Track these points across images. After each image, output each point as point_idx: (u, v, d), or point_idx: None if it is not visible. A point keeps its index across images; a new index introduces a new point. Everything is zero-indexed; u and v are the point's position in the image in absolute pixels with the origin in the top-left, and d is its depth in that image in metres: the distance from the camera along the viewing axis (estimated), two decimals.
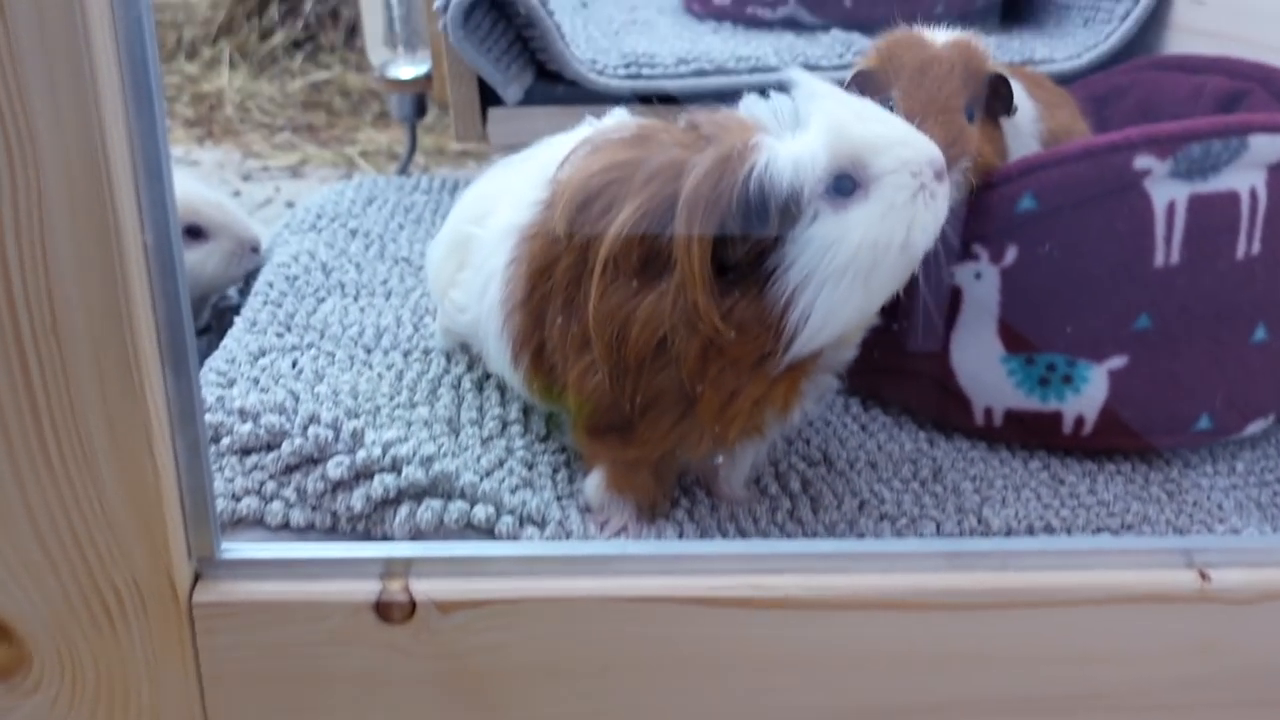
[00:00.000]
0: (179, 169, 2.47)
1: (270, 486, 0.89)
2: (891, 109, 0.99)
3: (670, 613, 0.79)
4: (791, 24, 1.71)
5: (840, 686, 0.82)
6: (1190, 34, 1.54)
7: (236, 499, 0.88)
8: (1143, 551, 0.84)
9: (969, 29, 1.06)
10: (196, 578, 0.77)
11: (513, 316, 0.91)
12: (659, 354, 0.81)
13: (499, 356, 0.95)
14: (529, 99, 1.46)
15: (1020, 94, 1.04)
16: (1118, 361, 1.02)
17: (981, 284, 1.02)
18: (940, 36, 1.04)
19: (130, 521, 0.72)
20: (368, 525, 0.87)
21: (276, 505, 0.88)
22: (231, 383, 1.04)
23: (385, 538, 0.87)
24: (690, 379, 0.81)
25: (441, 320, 1.14)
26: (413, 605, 0.77)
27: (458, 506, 0.87)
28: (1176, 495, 1.02)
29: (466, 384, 1.09)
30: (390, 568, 0.78)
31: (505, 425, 1.03)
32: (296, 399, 0.98)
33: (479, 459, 0.97)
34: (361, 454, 0.87)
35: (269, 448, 0.90)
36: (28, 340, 0.66)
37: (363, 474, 0.87)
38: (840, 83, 0.92)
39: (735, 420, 0.83)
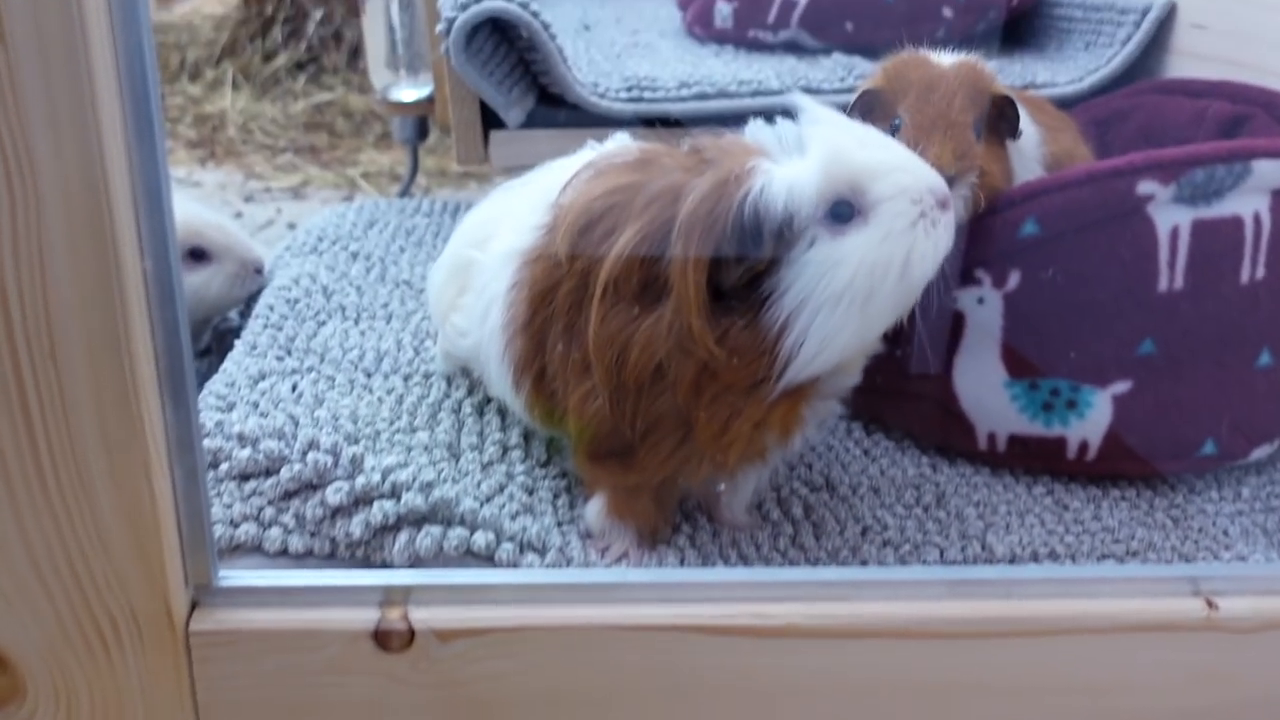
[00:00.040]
0: (181, 190, 2.48)
1: (269, 512, 0.88)
2: (899, 128, 0.99)
3: (672, 641, 0.78)
4: (793, 47, 1.72)
5: (843, 716, 0.82)
6: (1192, 58, 1.54)
7: (235, 525, 0.87)
8: (1149, 580, 0.84)
9: (971, 53, 1.07)
10: (193, 605, 0.77)
11: (514, 341, 0.90)
12: (658, 378, 0.81)
13: (500, 381, 0.95)
14: (531, 122, 1.46)
15: (1024, 118, 1.04)
16: (1122, 386, 1.01)
17: (984, 308, 1.02)
18: (946, 58, 1.04)
19: (127, 549, 0.71)
20: (367, 552, 0.87)
21: (275, 531, 0.87)
22: (231, 407, 1.04)
23: (384, 564, 0.86)
24: (686, 403, 0.81)
25: (442, 344, 1.14)
26: (411, 634, 0.77)
27: (457, 533, 0.86)
28: (1182, 521, 1.01)
29: (467, 408, 1.09)
30: (389, 596, 0.78)
31: (506, 450, 1.02)
32: (296, 424, 0.98)
33: (479, 484, 0.96)
34: (361, 480, 0.86)
35: (268, 473, 0.89)
36: (25, 366, 0.66)
37: (362, 500, 0.86)
38: (843, 107, 0.92)
39: (733, 445, 0.82)
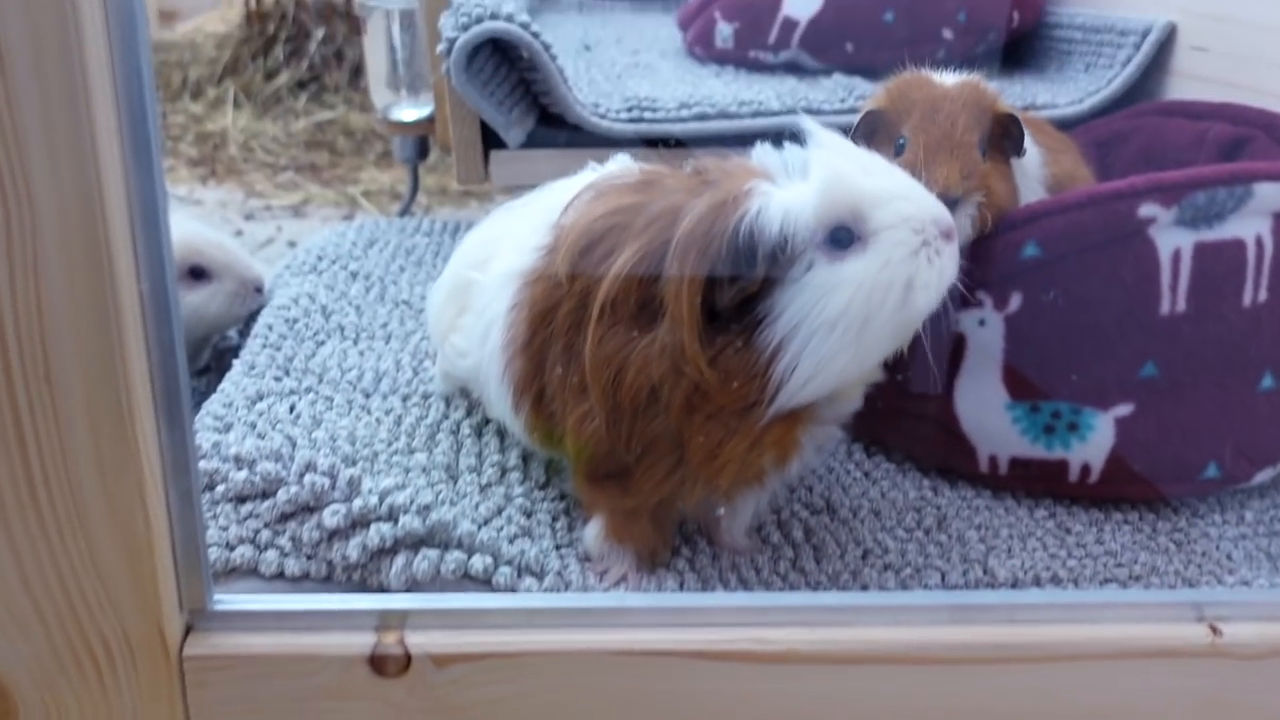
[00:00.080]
0: (181, 209, 2.48)
1: (265, 535, 0.87)
2: (903, 148, 0.99)
3: (671, 667, 0.78)
4: (793, 68, 1.72)
5: None
6: (1192, 80, 1.54)
7: (230, 548, 0.87)
8: (1152, 605, 0.83)
9: (971, 74, 1.07)
10: (188, 630, 0.76)
11: (514, 362, 0.90)
12: (654, 399, 0.80)
13: (500, 402, 0.95)
14: (531, 142, 1.46)
15: (1026, 138, 1.04)
16: (1124, 409, 1.01)
17: (986, 330, 1.02)
18: (949, 78, 1.04)
19: (120, 572, 0.71)
20: (363, 575, 0.86)
21: (271, 554, 0.86)
22: (228, 428, 1.03)
23: (381, 588, 0.85)
24: (678, 424, 0.80)
25: (441, 365, 1.14)
26: (408, 658, 0.76)
27: (455, 556, 0.86)
28: (1185, 545, 1.01)
29: (465, 429, 1.08)
30: (385, 620, 0.77)
31: (504, 472, 1.01)
32: (293, 445, 0.97)
33: (477, 506, 0.95)
34: (358, 502, 0.86)
35: (264, 495, 0.89)
36: (19, 388, 0.65)
37: (359, 523, 0.86)
38: (844, 128, 0.91)
39: (726, 468, 0.81)
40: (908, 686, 0.79)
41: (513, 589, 0.86)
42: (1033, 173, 1.09)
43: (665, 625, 0.79)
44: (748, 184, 0.79)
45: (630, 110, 1.45)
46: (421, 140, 2.04)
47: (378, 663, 0.76)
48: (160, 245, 0.66)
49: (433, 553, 0.85)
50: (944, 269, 0.80)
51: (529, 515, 0.96)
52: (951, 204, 0.92)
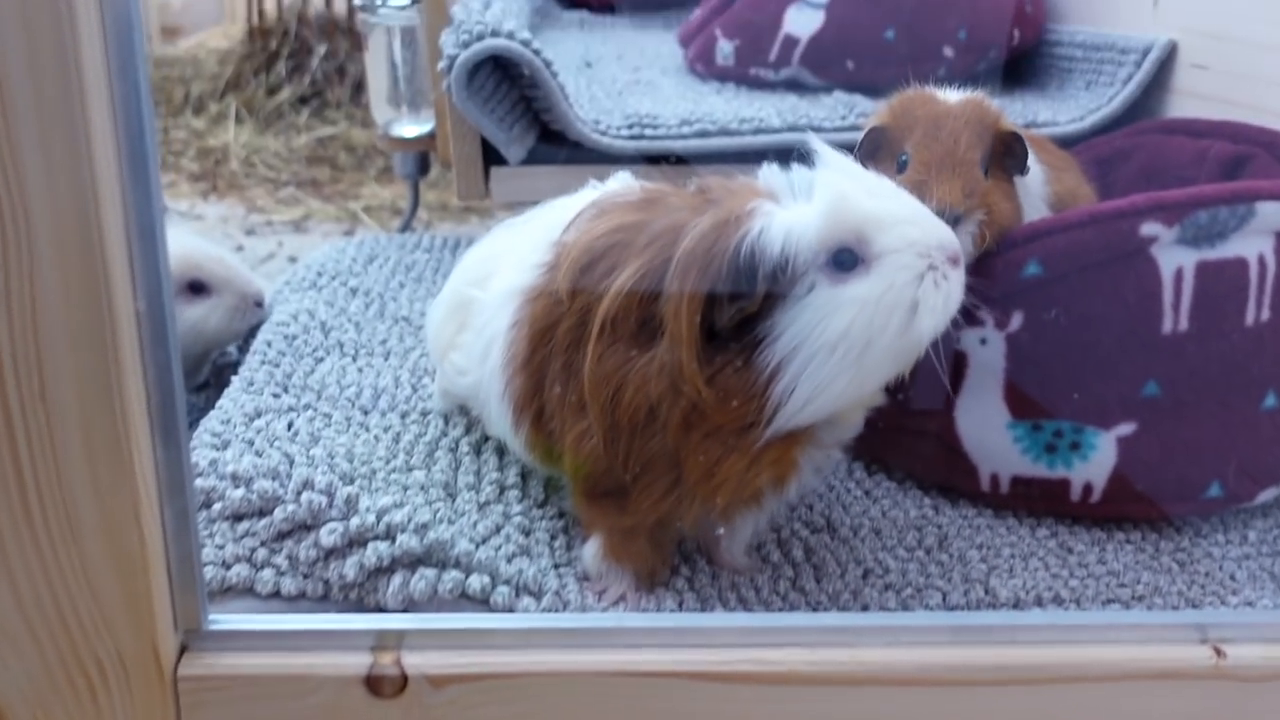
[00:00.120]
0: (181, 224, 2.48)
1: (261, 554, 0.87)
2: (905, 164, 0.98)
3: (671, 688, 0.77)
4: (794, 85, 1.72)
5: None
6: (1193, 98, 1.54)
7: (226, 566, 0.86)
8: (1155, 626, 0.82)
9: (975, 91, 1.06)
10: (182, 650, 0.75)
11: (514, 379, 0.90)
12: (652, 418, 0.80)
13: (500, 420, 0.94)
14: (531, 158, 1.46)
15: (1029, 156, 1.04)
16: (1126, 428, 1.00)
17: (987, 349, 1.01)
18: (952, 95, 1.04)
19: (115, 592, 0.70)
20: (360, 594, 0.85)
21: (267, 573, 0.86)
22: (226, 445, 1.03)
23: (378, 607, 0.85)
24: (675, 442, 0.80)
25: (440, 382, 1.13)
26: (404, 679, 0.75)
27: (452, 576, 0.85)
28: (1188, 565, 1.00)
29: (464, 447, 1.08)
30: (382, 640, 0.77)
31: (503, 490, 1.01)
32: (291, 463, 0.97)
33: (475, 525, 0.95)
34: (355, 521, 0.85)
35: (261, 513, 0.88)
36: (15, 407, 0.65)
37: (356, 541, 0.85)
38: (847, 146, 0.91)
39: (723, 489, 0.81)
40: (909, 708, 0.79)
41: (511, 609, 0.86)
42: (1035, 191, 1.09)
43: (664, 646, 0.78)
44: (750, 203, 0.78)
45: (631, 127, 1.45)
46: (422, 156, 2.04)
47: (374, 683, 0.75)
48: (157, 263, 0.66)
49: (430, 572, 0.84)
50: (950, 294, 0.79)
51: (527, 534, 0.95)
52: (953, 221, 0.91)
